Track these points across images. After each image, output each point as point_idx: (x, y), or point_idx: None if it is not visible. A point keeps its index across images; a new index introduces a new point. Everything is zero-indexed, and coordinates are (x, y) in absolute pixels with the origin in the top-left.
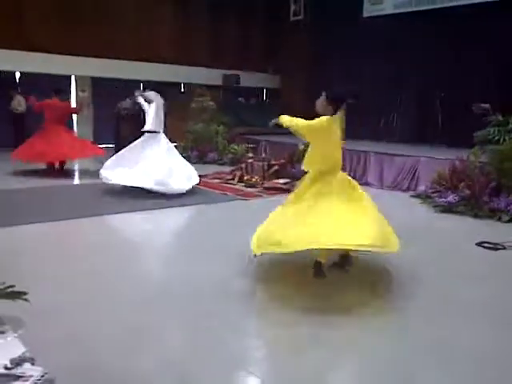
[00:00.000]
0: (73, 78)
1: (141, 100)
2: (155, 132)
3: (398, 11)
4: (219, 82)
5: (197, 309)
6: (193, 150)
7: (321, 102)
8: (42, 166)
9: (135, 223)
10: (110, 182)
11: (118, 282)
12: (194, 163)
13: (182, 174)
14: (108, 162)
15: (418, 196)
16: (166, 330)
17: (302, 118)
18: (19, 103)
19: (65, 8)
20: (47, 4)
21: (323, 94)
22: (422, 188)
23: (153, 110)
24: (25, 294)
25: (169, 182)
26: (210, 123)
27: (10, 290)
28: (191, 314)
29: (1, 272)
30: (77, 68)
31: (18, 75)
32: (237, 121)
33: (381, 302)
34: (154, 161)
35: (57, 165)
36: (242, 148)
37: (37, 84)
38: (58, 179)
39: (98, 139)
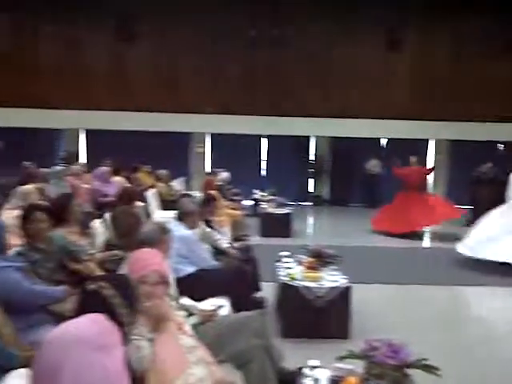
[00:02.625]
0: (432, 142)
1: None
2: None
3: None
4: None
5: None
6: None
7: None
8: None
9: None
10: (475, 257)
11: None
12: None
13: None
14: (471, 236)
15: None
16: None
17: None
18: (374, 165)
19: None
20: None
21: None
22: None
23: None
24: (437, 369)
25: None
26: None
27: (425, 362)
28: None
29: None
30: (436, 133)
31: (383, 141)
32: None
33: None
34: None
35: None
36: None
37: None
38: (407, 239)
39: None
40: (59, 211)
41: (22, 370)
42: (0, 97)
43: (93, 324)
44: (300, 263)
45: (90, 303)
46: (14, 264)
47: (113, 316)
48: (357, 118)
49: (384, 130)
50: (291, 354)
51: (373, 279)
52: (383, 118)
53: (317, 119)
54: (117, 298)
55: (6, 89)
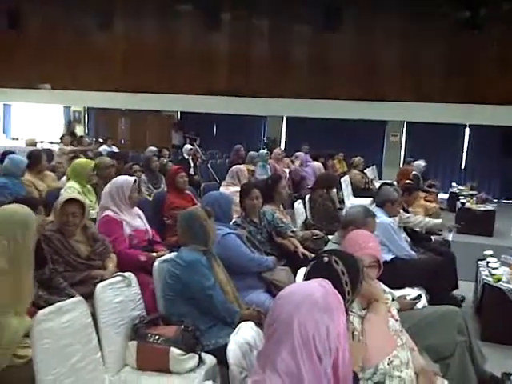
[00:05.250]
0: None
1: None
2: None
3: None
4: None
5: None
6: None
7: None
8: None
9: None
10: None
11: None
12: None
13: None
14: None
15: None
16: None
17: None
18: None
19: None
20: None
21: None
22: None
23: None
24: None
25: None
26: None
27: None
28: None
29: None
30: None
31: None
32: None
33: None
34: None
35: None
36: None
37: None
38: None
39: None
40: (269, 190)
41: (250, 323)
42: (216, 87)
43: (320, 287)
44: (507, 265)
45: (321, 272)
46: (236, 232)
47: (337, 289)
48: None
49: None
50: (492, 358)
51: None
52: None
53: None
54: (345, 276)
55: (219, 81)
